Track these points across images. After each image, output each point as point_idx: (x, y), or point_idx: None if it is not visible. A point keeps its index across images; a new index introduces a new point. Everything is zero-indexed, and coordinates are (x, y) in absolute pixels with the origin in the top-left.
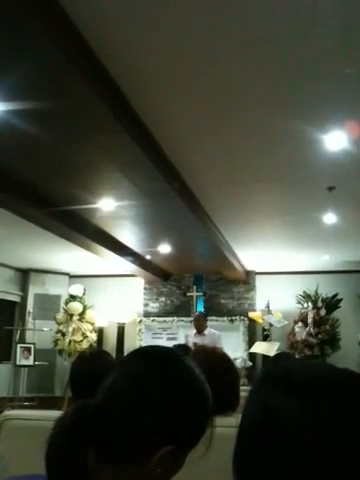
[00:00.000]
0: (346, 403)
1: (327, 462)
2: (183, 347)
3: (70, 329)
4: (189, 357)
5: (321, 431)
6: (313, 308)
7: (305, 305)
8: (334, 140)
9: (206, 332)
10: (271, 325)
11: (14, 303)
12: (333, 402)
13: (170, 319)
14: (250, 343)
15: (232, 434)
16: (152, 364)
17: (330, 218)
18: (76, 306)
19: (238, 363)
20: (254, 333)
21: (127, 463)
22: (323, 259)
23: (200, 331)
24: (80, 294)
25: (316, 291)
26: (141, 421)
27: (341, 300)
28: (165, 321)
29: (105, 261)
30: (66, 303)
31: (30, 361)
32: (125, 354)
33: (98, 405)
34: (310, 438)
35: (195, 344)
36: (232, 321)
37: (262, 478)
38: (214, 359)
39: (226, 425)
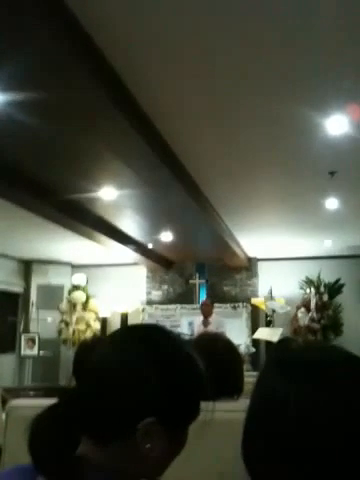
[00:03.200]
0: (343, 386)
1: (329, 445)
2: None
3: (74, 319)
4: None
5: (320, 415)
6: (316, 293)
7: (308, 291)
8: (335, 125)
9: (211, 319)
10: (274, 311)
11: (17, 294)
12: (332, 386)
13: (173, 307)
14: (253, 329)
15: (239, 418)
16: (142, 339)
17: (332, 203)
18: (79, 296)
19: (241, 349)
20: (257, 319)
21: (116, 441)
22: (325, 244)
23: (206, 317)
24: (83, 284)
25: (318, 276)
26: (128, 395)
27: (344, 285)
28: (168, 309)
29: (107, 250)
30: (69, 293)
31: (34, 351)
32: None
33: (81, 385)
34: (310, 422)
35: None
36: (235, 308)
37: (267, 462)
38: (217, 344)
39: (233, 409)
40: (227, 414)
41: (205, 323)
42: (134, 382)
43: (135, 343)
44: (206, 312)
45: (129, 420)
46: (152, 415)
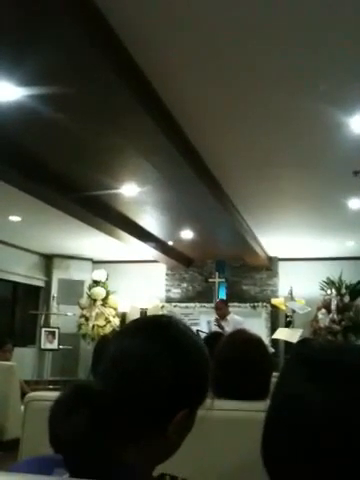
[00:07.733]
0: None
1: (342, 443)
2: (218, 334)
3: (93, 314)
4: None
5: (336, 415)
6: (337, 295)
7: (328, 292)
8: None
9: (229, 318)
10: (294, 311)
11: (39, 288)
12: (349, 387)
13: (192, 305)
14: (272, 330)
15: (260, 419)
16: (160, 332)
17: (355, 203)
18: (99, 291)
19: None
20: (277, 319)
21: (148, 436)
22: (347, 245)
23: (222, 317)
24: (103, 279)
25: (340, 278)
26: (156, 388)
27: None
28: (187, 307)
29: (128, 247)
30: (89, 288)
31: (54, 345)
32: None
33: (107, 383)
34: (327, 422)
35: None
36: (254, 307)
37: (291, 462)
38: (250, 344)
39: (255, 409)
40: (252, 414)
41: (219, 324)
42: (167, 382)
43: (156, 339)
44: (220, 314)
45: (164, 417)
46: (185, 407)
